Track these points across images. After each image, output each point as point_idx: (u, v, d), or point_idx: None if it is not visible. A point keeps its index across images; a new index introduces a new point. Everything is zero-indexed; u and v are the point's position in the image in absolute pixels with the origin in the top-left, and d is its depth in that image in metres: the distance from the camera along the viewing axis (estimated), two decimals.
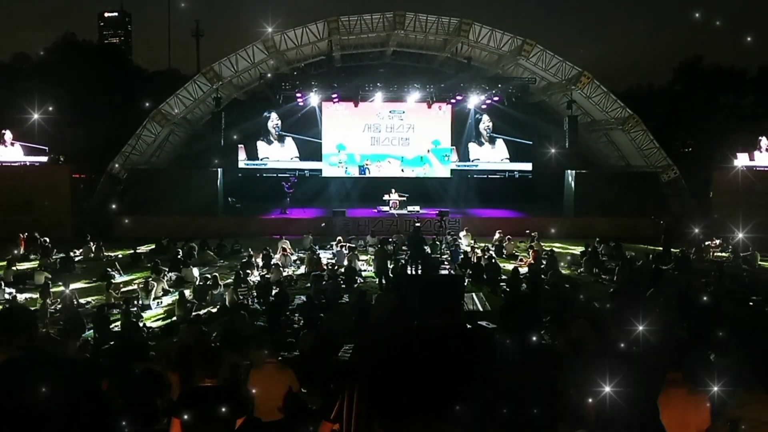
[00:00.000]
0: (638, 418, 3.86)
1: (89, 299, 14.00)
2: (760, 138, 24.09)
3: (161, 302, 13.93)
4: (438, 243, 19.63)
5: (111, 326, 11.66)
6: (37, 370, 2.70)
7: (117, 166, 24.73)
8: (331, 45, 25.16)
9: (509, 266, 16.87)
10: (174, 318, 12.63)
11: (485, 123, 28.52)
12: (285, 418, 5.61)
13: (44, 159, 23.46)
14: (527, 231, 20.43)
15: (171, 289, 14.75)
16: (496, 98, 25.39)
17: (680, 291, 12.63)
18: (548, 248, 19.13)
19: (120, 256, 18.62)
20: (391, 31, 25.06)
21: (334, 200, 26.58)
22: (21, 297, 13.92)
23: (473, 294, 14.67)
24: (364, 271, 17.09)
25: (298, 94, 24.53)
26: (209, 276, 14.95)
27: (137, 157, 24.92)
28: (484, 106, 26.79)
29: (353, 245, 18.51)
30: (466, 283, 14.92)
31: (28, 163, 23.02)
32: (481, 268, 16.31)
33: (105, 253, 18.71)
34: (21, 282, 15.27)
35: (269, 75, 24.21)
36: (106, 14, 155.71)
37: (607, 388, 4.00)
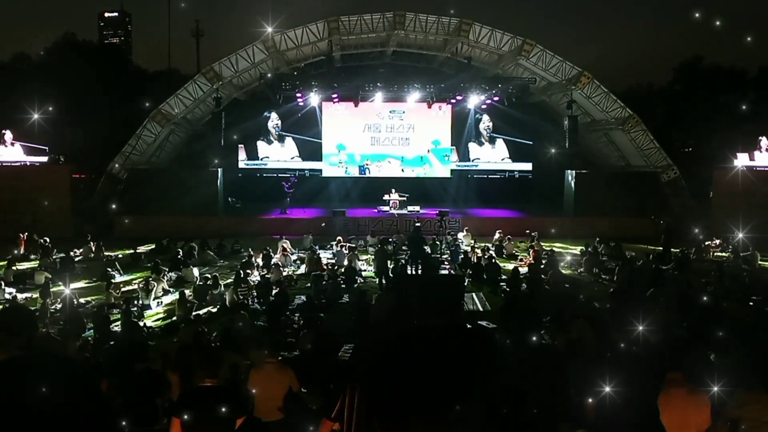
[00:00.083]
0: (638, 418, 3.86)
1: (89, 299, 14.01)
2: (760, 138, 24.10)
3: (161, 302, 13.93)
4: (438, 243, 19.63)
5: (111, 326, 11.66)
6: (36, 369, 2.69)
7: (117, 166, 24.73)
8: (331, 45, 25.16)
9: (509, 266, 16.88)
10: (174, 318, 12.64)
11: (485, 123, 28.52)
12: (285, 418, 5.61)
13: (44, 159, 23.46)
14: (527, 231, 20.43)
15: (171, 289, 14.75)
16: (496, 98, 25.38)
17: (680, 291, 12.63)
18: (548, 248, 19.14)
19: (120, 256, 18.61)
20: (391, 31, 25.06)
21: (334, 200, 26.57)
22: (21, 297, 13.92)
23: (473, 294, 14.67)
24: (364, 271, 17.10)
25: (298, 94, 24.53)
26: (209, 276, 14.96)
27: (137, 157, 24.92)
28: (484, 106, 26.79)
29: (353, 245, 18.52)
30: (466, 283, 14.92)
31: (28, 163, 23.02)
32: (481, 268, 16.31)
33: (105, 253, 18.69)
34: (21, 282, 15.27)
35: (269, 75, 24.20)
36: (106, 14, 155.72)
37: (607, 388, 4.00)
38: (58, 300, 13.12)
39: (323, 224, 22.60)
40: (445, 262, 17.67)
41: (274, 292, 13.66)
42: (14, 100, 28.89)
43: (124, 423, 5.09)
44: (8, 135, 22.76)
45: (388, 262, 16.61)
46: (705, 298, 11.80)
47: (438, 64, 28.22)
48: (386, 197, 24.54)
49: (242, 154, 27.83)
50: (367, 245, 19.98)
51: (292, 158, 28.08)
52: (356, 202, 26.55)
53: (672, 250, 18.65)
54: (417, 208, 24.41)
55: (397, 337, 3.00)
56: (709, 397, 4.08)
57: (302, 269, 17.26)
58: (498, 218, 24.53)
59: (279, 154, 28.02)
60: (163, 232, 20.40)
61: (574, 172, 24.74)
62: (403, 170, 28.21)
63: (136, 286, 14.61)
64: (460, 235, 21.05)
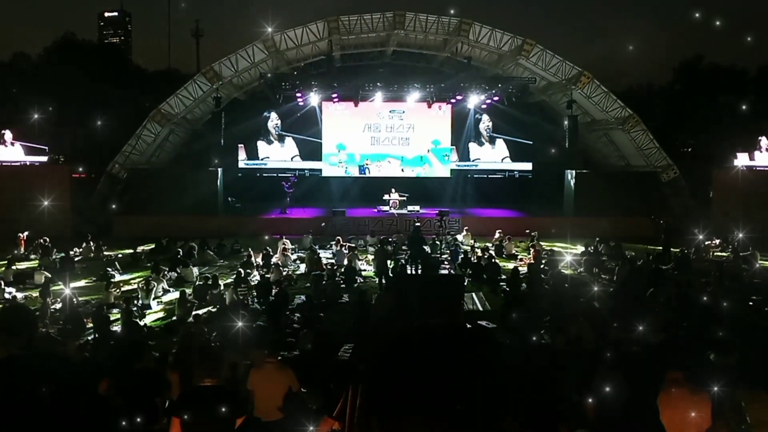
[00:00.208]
0: (638, 417, 3.86)
1: (89, 299, 14.00)
2: (760, 138, 24.10)
3: (161, 302, 13.94)
4: (438, 243, 19.63)
5: (111, 326, 11.66)
6: (34, 369, 2.70)
7: (117, 165, 24.74)
8: (331, 45, 25.17)
9: (509, 266, 16.89)
10: (174, 318, 12.64)
11: (485, 123, 28.54)
12: (285, 418, 5.60)
13: (44, 159, 23.47)
14: (527, 231, 20.43)
15: (171, 289, 14.76)
16: (496, 98, 25.40)
17: (680, 291, 12.61)
18: (548, 248, 19.13)
19: (120, 255, 18.61)
20: (391, 30, 25.06)
21: (334, 200, 26.59)
22: (20, 296, 13.92)
23: (473, 294, 14.67)
24: (364, 270, 17.10)
25: (298, 94, 24.55)
26: (209, 276, 14.96)
27: (137, 157, 24.93)
28: (484, 106, 26.80)
29: (353, 245, 18.52)
30: (466, 283, 14.92)
31: (28, 163, 23.03)
32: (481, 267, 16.31)
33: (105, 253, 18.70)
34: (21, 282, 15.27)
35: (269, 75, 24.21)
36: (106, 14, 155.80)
37: (607, 388, 4.00)
38: (58, 300, 13.12)
39: (323, 224, 22.61)
40: (445, 262, 17.67)
41: (273, 291, 13.66)
42: (14, 99, 28.91)
43: (123, 423, 5.09)
44: (8, 135, 22.77)
45: (388, 261, 16.61)
46: (705, 298, 11.79)
47: (438, 63, 28.23)
48: (386, 197, 24.56)
49: (242, 154, 27.84)
50: (367, 245, 19.98)
51: (293, 158, 28.09)
52: (356, 201, 26.55)
53: (672, 249, 18.65)
54: (417, 207, 24.42)
55: (397, 337, 3.01)
56: (709, 397, 4.08)
57: (302, 269, 17.26)
58: (498, 218, 24.54)
59: (279, 154, 28.03)
60: (162, 231, 20.39)
61: (574, 171, 24.75)
62: (403, 170, 28.22)
63: (135, 286, 14.61)
64: (460, 236, 21.05)
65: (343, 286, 15.07)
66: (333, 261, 17.32)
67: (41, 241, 18.90)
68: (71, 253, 18.11)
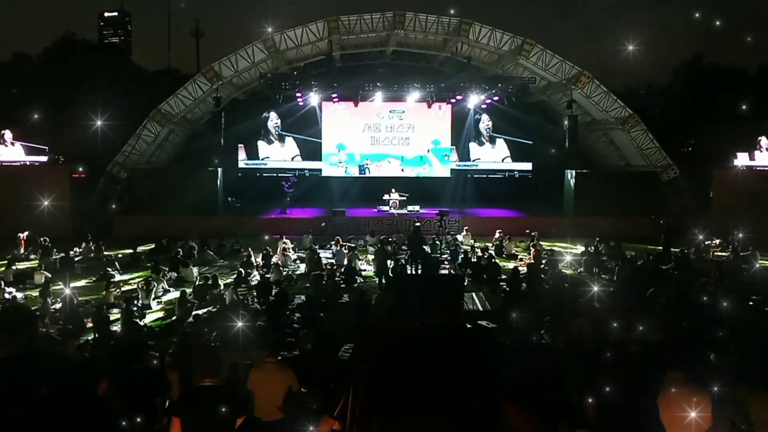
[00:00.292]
0: (638, 417, 3.86)
1: (89, 299, 14.00)
2: (759, 138, 24.10)
3: (161, 302, 13.94)
4: (438, 243, 19.63)
5: (111, 326, 11.66)
6: (32, 368, 2.70)
7: (117, 165, 24.74)
8: (331, 45, 25.17)
9: (509, 266, 16.89)
10: (174, 318, 12.64)
11: (485, 123, 28.55)
12: (285, 418, 5.60)
13: (44, 159, 23.48)
14: (527, 231, 20.43)
15: (171, 289, 14.76)
16: (496, 98, 25.40)
17: (680, 290, 12.61)
18: (548, 248, 19.12)
19: (120, 255, 18.61)
20: (391, 30, 25.06)
21: (334, 200, 26.58)
22: (20, 296, 13.91)
23: (473, 294, 14.67)
24: (364, 270, 17.10)
25: (298, 94, 24.55)
26: (209, 276, 14.96)
27: (137, 157, 24.93)
28: (484, 106, 26.80)
29: (353, 245, 18.52)
30: (466, 283, 14.92)
31: (28, 163, 23.04)
32: (481, 267, 16.31)
33: (105, 253, 18.70)
34: (21, 282, 15.27)
35: (269, 75, 24.22)
36: (106, 14, 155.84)
37: (607, 388, 3.99)
38: (58, 300, 13.12)
39: (323, 224, 22.62)
40: (445, 262, 17.67)
41: (273, 291, 13.66)
42: (14, 99, 28.89)
43: (123, 423, 5.09)
44: (8, 134, 22.78)
45: (389, 261, 16.61)
46: (705, 298, 11.79)
47: (438, 63, 28.23)
48: (386, 197, 24.56)
49: (242, 154, 27.85)
50: (367, 245, 19.98)
51: (293, 158, 28.10)
52: (356, 201, 26.55)
53: (672, 249, 18.65)
54: (417, 207, 24.42)
55: (397, 337, 3.01)
56: (710, 397, 4.08)
57: (302, 269, 17.25)
58: (498, 218, 24.55)
59: (280, 154, 28.04)
60: (162, 231, 20.39)
61: (574, 171, 24.75)
62: (403, 170, 28.22)
63: (135, 286, 14.62)
64: (460, 236, 21.05)
65: (343, 286, 15.07)
66: (333, 261, 17.32)
67: (41, 241, 18.90)
68: (71, 253, 18.12)
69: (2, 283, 14.51)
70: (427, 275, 14.86)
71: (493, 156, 29.01)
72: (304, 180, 27.02)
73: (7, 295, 13.76)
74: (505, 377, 2.86)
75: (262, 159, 27.99)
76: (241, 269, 15.73)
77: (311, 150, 28.01)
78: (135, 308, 12.75)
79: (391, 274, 15.45)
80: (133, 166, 24.57)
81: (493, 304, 13.74)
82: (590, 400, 4.13)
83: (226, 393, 4.16)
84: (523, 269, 16.34)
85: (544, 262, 17.14)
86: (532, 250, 18.41)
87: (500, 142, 28.79)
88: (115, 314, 12.36)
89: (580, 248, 19.02)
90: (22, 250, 18.95)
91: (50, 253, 17.79)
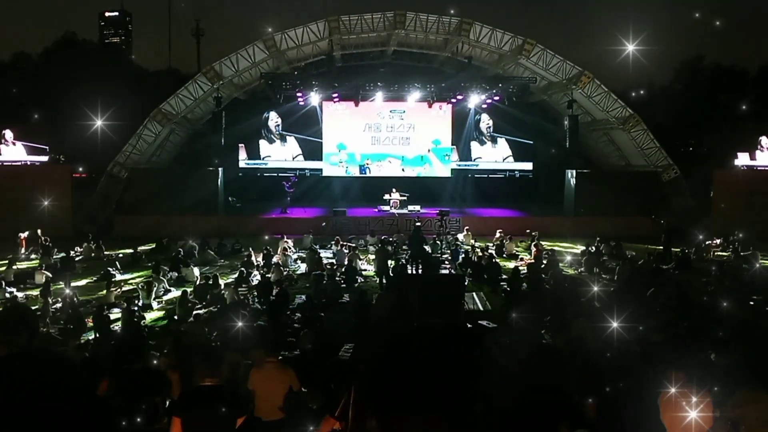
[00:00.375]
0: (639, 417, 3.86)
1: (90, 298, 14.01)
2: (760, 137, 24.08)
3: (162, 301, 13.94)
4: (438, 242, 19.63)
5: (111, 326, 11.66)
6: (34, 367, 2.70)
7: (117, 165, 24.74)
8: (331, 44, 25.16)
9: (510, 265, 16.89)
10: (174, 317, 12.63)
11: (485, 122, 28.56)
12: (285, 418, 5.61)
13: (45, 158, 23.49)
14: (528, 230, 20.42)
15: (172, 289, 14.77)
16: (496, 98, 25.40)
17: (681, 290, 12.61)
18: (549, 248, 19.11)
19: (120, 255, 18.62)
20: (391, 30, 25.05)
21: (335, 200, 26.59)
22: (21, 296, 13.91)
23: (474, 293, 14.67)
24: (365, 270, 17.10)
25: (299, 94, 24.55)
26: (210, 275, 14.96)
27: (138, 157, 24.93)
28: (484, 106, 26.80)
29: (353, 245, 18.53)
30: (466, 283, 14.92)
31: (28, 163, 23.05)
32: (482, 267, 16.31)
33: (105, 253, 18.70)
34: (21, 281, 15.27)
35: (270, 74, 24.22)
36: (107, 14, 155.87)
37: (608, 388, 4.00)
38: (59, 299, 13.12)
39: (323, 224, 22.62)
40: (446, 262, 17.67)
41: (274, 291, 13.66)
42: (14, 99, 28.90)
43: (123, 423, 5.09)
44: (9, 134, 22.79)
45: (389, 261, 16.61)
46: (705, 298, 11.79)
47: (438, 63, 28.22)
48: (387, 197, 24.57)
49: (243, 154, 27.86)
50: (368, 245, 19.99)
51: (295, 157, 28.12)
52: (357, 201, 26.56)
53: (672, 249, 18.63)
54: (417, 207, 24.43)
55: (397, 337, 3.01)
56: (710, 397, 4.08)
57: (302, 269, 17.25)
58: (498, 218, 24.54)
59: (281, 153, 28.06)
60: (163, 231, 20.40)
61: (574, 171, 24.75)
62: (403, 170, 28.22)
63: (136, 286, 14.62)
64: (460, 236, 21.05)
65: (343, 285, 15.08)
66: (333, 261, 17.32)
67: (42, 240, 18.91)
68: (72, 252, 18.13)
69: (3, 283, 14.51)
70: (428, 275, 14.86)
71: (495, 155, 29.02)
72: (304, 180, 27.02)
73: (7, 295, 13.76)
74: (505, 378, 2.87)
75: (264, 158, 28.01)
76: (242, 269, 15.74)
77: (312, 150, 28.03)
78: (136, 308, 12.76)
79: (391, 274, 15.45)
80: (134, 166, 24.58)
81: (494, 304, 13.74)
82: (590, 400, 4.13)
83: (226, 393, 4.17)
84: (524, 269, 16.34)
85: (544, 262, 17.13)
86: (534, 249, 18.40)
87: (502, 142, 28.81)
88: (115, 314, 12.36)
89: (581, 248, 19.01)
90: (22, 250, 18.95)
91: (51, 252, 17.79)
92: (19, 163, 22.91)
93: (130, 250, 18.84)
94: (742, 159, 24.04)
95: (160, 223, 21.58)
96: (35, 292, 14.08)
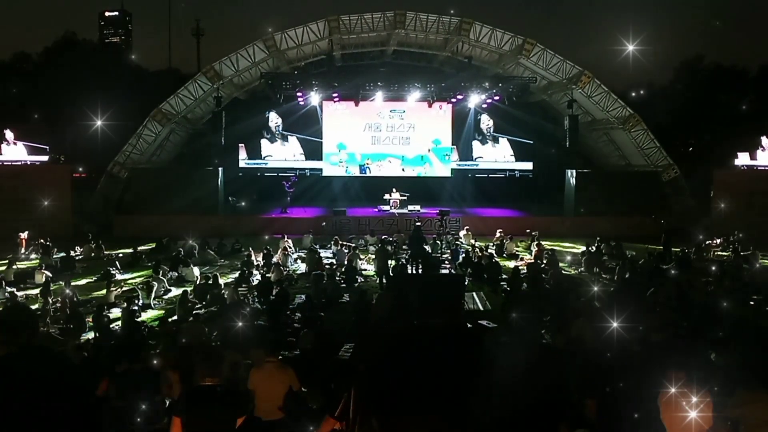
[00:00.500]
0: (639, 417, 3.86)
1: (90, 298, 14.01)
2: (760, 137, 24.07)
3: (162, 301, 13.94)
4: (439, 242, 19.63)
5: (111, 325, 11.66)
6: (34, 366, 2.70)
7: (117, 165, 24.75)
8: (331, 44, 25.17)
9: (510, 265, 16.88)
10: (174, 317, 12.63)
11: (486, 122, 28.57)
12: (285, 418, 5.61)
13: (45, 158, 23.49)
14: (528, 230, 20.43)
15: (172, 288, 14.77)
16: (496, 97, 25.40)
17: (681, 290, 12.60)
18: (549, 247, 19.10)
19: (120, 255, 18.61)
20: (391, 30, 25.06)
21: (335, 199, 26.60)
22: (20, 295, 13.91)
23: (474, 293, 14.67)
24: (365, 270, 17.10)
25: (299, 94, 24.55)
26: (210, 275, 14.96)
27: (138, 157, 24.94)
28: (484, 106, 26.80)
29: (353, 244, 18.52)
30: (466, 283, 14.92)
31: (28, 162, 23.05)
32: (482, 267, 16.30)
33: (105, 252, 18.70)
34: (21, 281, 15.27)
35: (270, 74, 24.21)
36: (107, 13, 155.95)
37: (607, 388, 3.99)
38: (59, 299, 13.12)
39: (323, 223, 22.62)
40: (446, 262, 17.67)
41: (274, 291, 13.65)
42: (15, 99, 28.90)
43: (124, 423, 5.10)
44: (9, 134, 22.80)
45: (389, 261, 16.60)
46: (705, 298, 11.78)
47: (438, 63, 28.22)
48: (387, 196, 24.57)
49: (243, 153, 27.86)
50: (368, 244, 19.98)
51: (296, 157, 28.12)
52: (357, 201, 26.56)
53: (672, 249, 18.63)
54: (417, 207, 24.43)
55: (397, 337, 3.01)
56: (710, 397, 4.07)
57: (302, 268, 17.25)
58: (498, 218, 24.54)
59: (282, 153, 28.06)
60: (163, 231, 20.40)
61: (574, 171, 24.76)
62: (403, 169, 28.23)
63: (136, 286, 14.61)
64: (461, 234, 21.05)
65: (343, 285, 15.08)
66: (333, 260, 17.32)
67: (41, 240, 18.91)
68: (72, 252, 18.13)
69: (3, 283, 14.50)
70: (428, 275, 14.87)
71: (496, 155, 29.02)
72: (304, 179, 27.03)
73: (7, 295, 13.76)
74: (505, 378, 2.87)
75: (265, 157, 28.02)
76: (243, 268, 15.73)
77: (312, 149, 28.03)
78: (136, 308, 12.76)
79: (391, 274, 15.44)
80: (134, 166, 24.58)
81: (494, 304, 13.73)
82: (590, 400, 4.13)
83: (226, 392, 4.17)
84: (524, 269, 16.33)
85: (544, 261, 17.13)
86: (534, 249, 18.40)
87: (503, 141, 28.83)
88: (115, 314, 12.36)
89: (581, 248, 19.01)
90: (22, 250, 18.95)
91: (51, 252, 17.79)
92: (20, 163, 22.91)
93: (130, 250, 18.84)
94: (742, 159, 24.03)
95: (160, 223, 21.58)
96: (35, 292, 14.08)
